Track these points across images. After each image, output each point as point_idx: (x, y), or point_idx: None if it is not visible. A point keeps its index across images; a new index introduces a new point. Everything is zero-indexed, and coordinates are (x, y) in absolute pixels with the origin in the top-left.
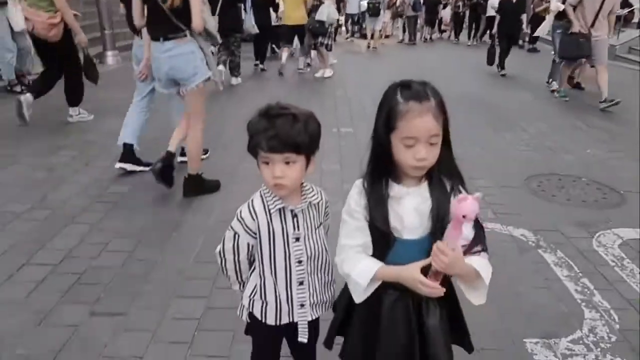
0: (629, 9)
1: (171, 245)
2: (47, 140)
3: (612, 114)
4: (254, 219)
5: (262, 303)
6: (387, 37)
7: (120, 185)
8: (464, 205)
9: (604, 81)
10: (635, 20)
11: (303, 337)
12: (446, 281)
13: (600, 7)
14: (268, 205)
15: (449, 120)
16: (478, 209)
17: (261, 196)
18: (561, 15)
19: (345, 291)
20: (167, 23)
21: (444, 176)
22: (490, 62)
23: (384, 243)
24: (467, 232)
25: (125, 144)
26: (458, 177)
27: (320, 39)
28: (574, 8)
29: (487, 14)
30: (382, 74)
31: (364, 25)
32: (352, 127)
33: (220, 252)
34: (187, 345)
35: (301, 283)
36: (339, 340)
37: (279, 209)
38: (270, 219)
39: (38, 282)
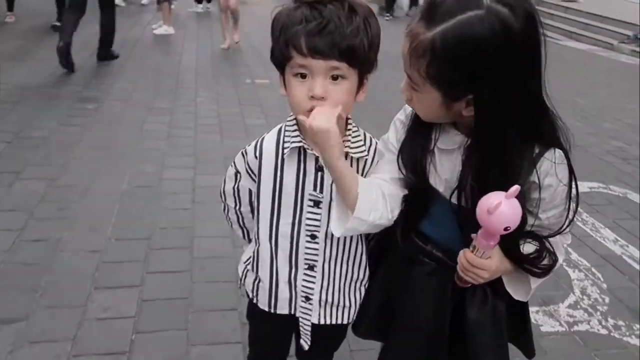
0: None
1: (77, 219)
2: None
3: None
4: (256, 156)
5: (255, 278)
6: None
7: None
8: (503, 213)
9: None
10: None
11: (304, 341)
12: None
13: None
14: (283, 141)
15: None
16: (520, 210)
17: (279, 130)
18: None
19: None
20: None
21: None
22: None
23: (420, 198)
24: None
25: None
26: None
27: None
28: None
29: None
30: None
31: None
32: (268, 78)
33: (221, 194)
34: (124, 355)
35: (311, 267)
36: None
37: (298, 149)
38: (281, 162)
39: None
